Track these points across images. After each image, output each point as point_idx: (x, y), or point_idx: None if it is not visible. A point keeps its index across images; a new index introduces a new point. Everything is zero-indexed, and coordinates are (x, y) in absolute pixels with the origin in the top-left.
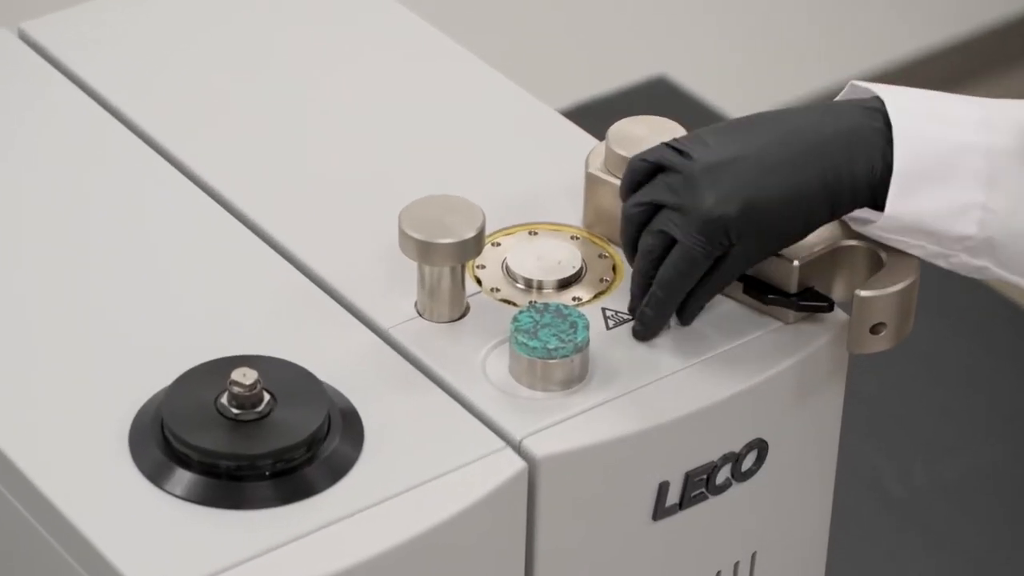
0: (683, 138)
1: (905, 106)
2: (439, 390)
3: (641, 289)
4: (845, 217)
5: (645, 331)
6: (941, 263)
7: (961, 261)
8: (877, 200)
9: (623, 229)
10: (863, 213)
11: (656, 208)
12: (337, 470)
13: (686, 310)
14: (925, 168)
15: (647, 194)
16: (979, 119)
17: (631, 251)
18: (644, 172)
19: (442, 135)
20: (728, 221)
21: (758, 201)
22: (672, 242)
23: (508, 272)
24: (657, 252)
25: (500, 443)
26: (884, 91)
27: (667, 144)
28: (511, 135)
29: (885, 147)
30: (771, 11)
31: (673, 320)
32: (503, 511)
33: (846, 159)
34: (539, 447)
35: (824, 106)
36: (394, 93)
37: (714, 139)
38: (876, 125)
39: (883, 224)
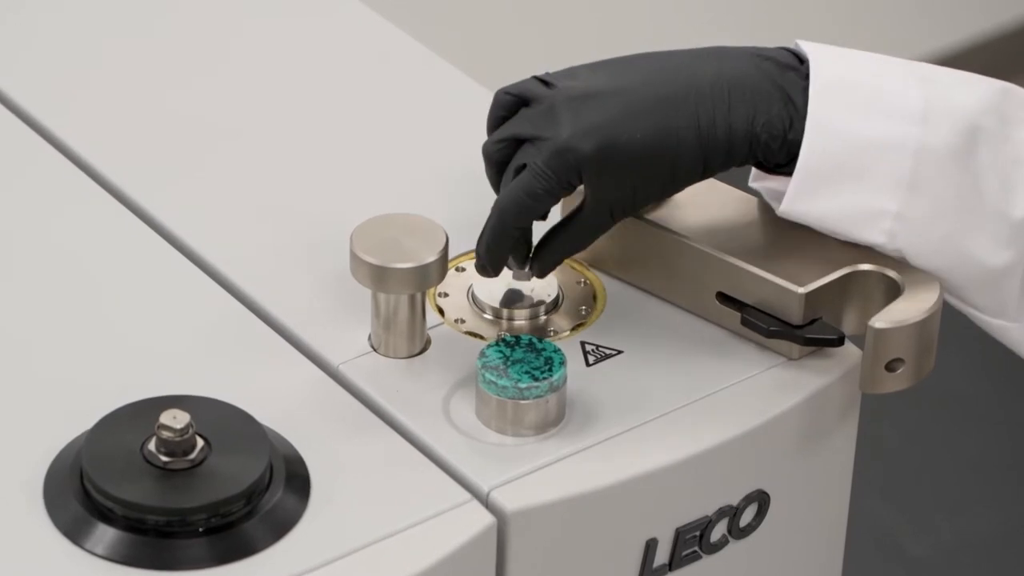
0: (555, 72)
1: (830, 80)
2: (396, 435)
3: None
4: (753, 185)
5: (480, 263)
6: None
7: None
8: (766, 159)
9: (486, 171)
10: (772, 184)
11: (518, 143)
12: (280, 526)
13: (539, 259)
14: (834, 166)
15: (507, 129)
16: (916, 109)
17: (497, 192)
18: (508, 105)
19: (401, 146)
20: (580, 157)
21: (618, 140)
22: None
23: (474, 301)
24: (502, 167)
25: (465, 495)
26: (817, 55)
27: (535, 76)
28: (479, 146)
29: (783, 105)
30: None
31: (661, 354)
32: (468, 572)
33: (724, 107)
34: (509, 500)
35: (715, 49)
36: (346, 97)
37: (585, 72)
38: (777, 79)
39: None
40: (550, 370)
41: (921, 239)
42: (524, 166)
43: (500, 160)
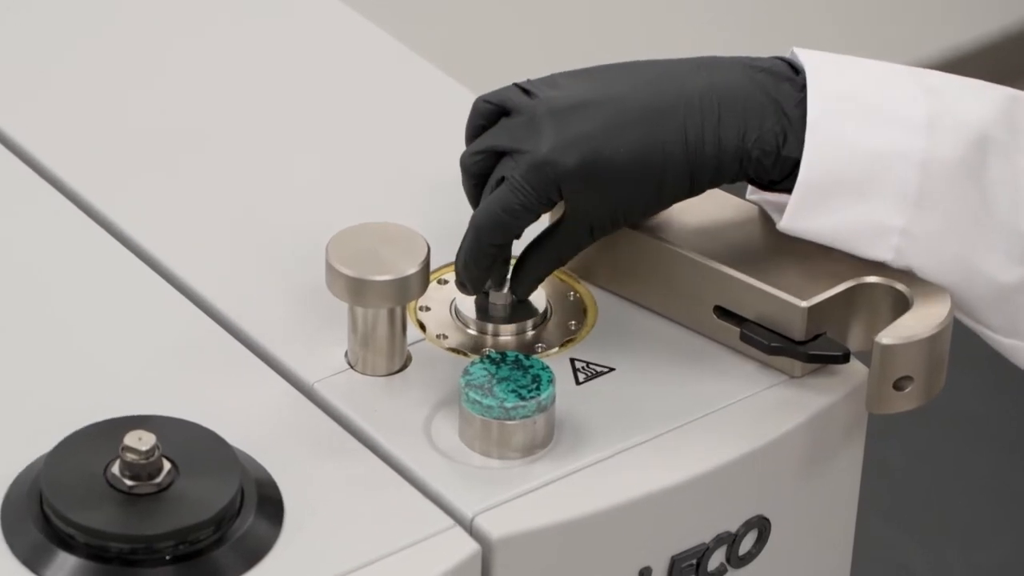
0: (536, 80)
1: (830, 91)
2: (374, 457)
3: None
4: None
5: (459, 281)
6: None
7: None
8: (758, 176)
9: (464, 184)
10: (770, 197)
11: (497, 156)
12: (251, 553)
13: (519, 278)
14: (836, 179)
15: (485, 140)
16: (922, 119)
17: (475, 206)
18: (487, 115)
19: (380, 151)
20: (561, 171)
21: (601, 154)
22: None
23: (457, 315)
24: (482, 180)
25: (448, 521)
26: (815, 65)
27: (516, 84)
28: (462, 151)
29: (777, 120)
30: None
31: (655, 371)
32: None
33: (714, 121)
34: (494, 526)
35: (705, 59)
36: (323, 100)
37: (567, 81)
38: (771, 91)
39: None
40: (538, 389)
41: (930, 256)
42: (503, 179)
43: (478, 172)
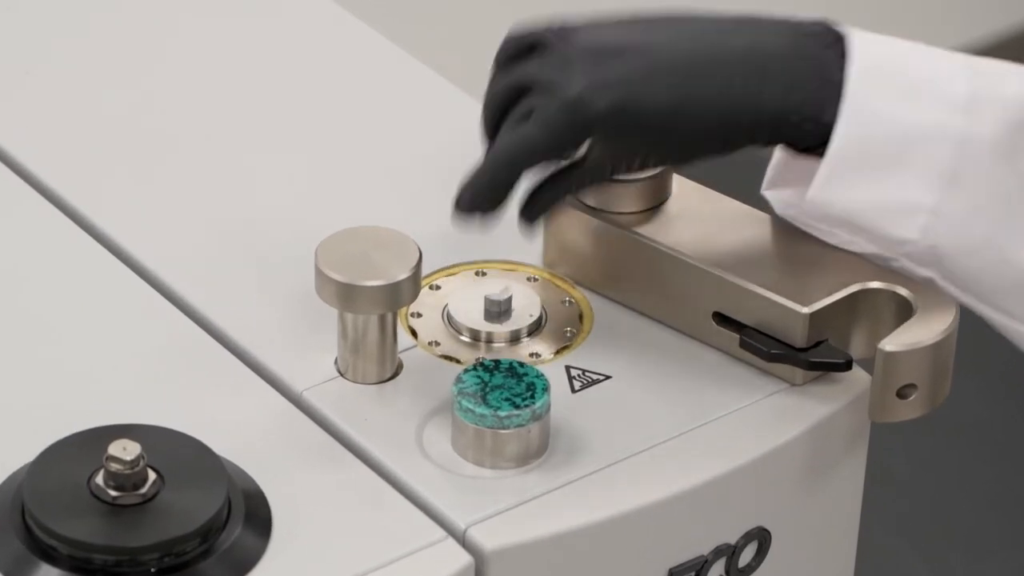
0: (574, 20)
1: (872, 63)
2: (364, 467)
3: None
4: (765, 194)
5: (459, 207)
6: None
7: (903, 266)
8: (798, 141)
9: (484, 113)
10: (785, 196)
11: (526, 91)
12: (238, 566)
13: (531, 204)
14: (868, 153)
15: (518, 72)
16: (963, 97)
17: (491, 139)
18: (520, 47)
19: (370, 153)
20: (593, 114)
21: (637, 100)
22: None
23: (450, 322)
24: (504, 111)
25: (440, 533)
26: (859, 35)
27: (550, 23)
28: (456, 153)
29: (820, 86)
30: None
31: (653, 379)
32: None
33: (756, 82)
34: (488, 538)
35: (751, 18)
36: (312, 101)
37: (609, 25)
38: (817, 56)
39: (808, 211)
40: (532, 397)
41: (958, 237)
42: (530, 113)
43: (500, 105)
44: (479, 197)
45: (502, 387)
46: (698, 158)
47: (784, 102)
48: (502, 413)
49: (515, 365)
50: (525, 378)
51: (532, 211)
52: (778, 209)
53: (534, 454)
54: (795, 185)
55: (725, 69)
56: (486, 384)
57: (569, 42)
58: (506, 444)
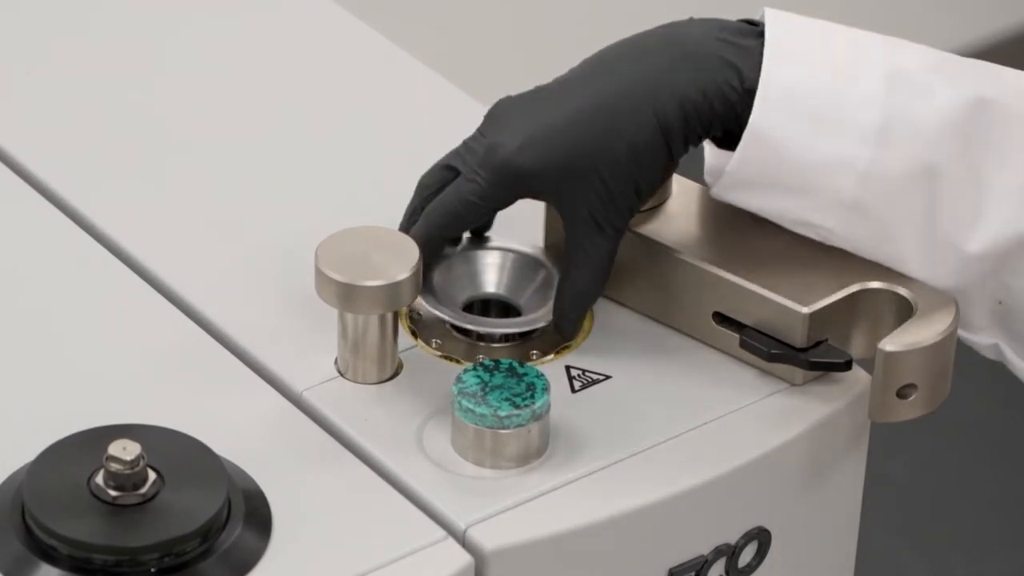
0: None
1: (782, 87)
2: (364, 467)
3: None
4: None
5: None
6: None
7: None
8: (707, 126)
9: (411, 201)
10: (713, 157)
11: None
12: (238, 566)
13: (561, 319)
14: (768, 182)
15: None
16: (872, 126)
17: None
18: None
19: (371, 153)
20: (522, 170)
21: (560, 147)
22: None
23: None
24: (434, 188)
25: (440, 533)
26: (774, 36)
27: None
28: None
29: (725, 67)
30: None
31: (652, 379)
32: None
33: (672, 78)
34: (488, 538)
35: (674, 32)
36: (313, 101)
37: (513, 117)
38: (731, 57)
39: (734, 170)
40: (532, 397)
41: (859, 253)
42: (447, 167)
43: (429, 187)
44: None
45: (502, 387)
46: (647, 170)
47: (704, 92)
48: (502, 413)
49: (515, 365)
50: (525, 378)
51: (567, 325)
52: (719, 190)
53: (534, 454)
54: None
55: (634, 84)
56: (486, 384)
57: (484, 136)
58: (506, 444)
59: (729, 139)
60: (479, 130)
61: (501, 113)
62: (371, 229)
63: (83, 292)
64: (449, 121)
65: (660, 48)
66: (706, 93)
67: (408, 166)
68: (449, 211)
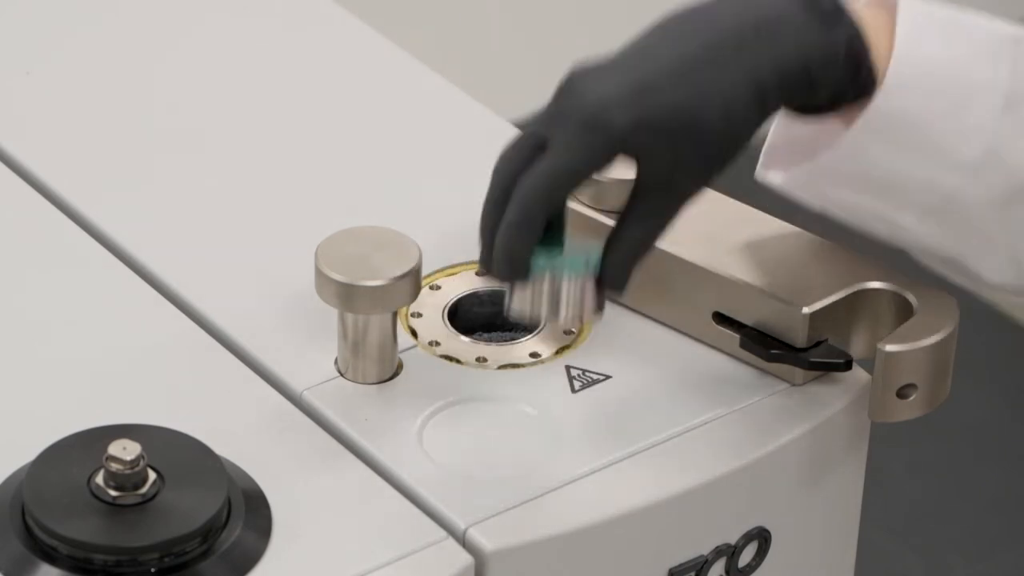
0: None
1: (887, 109)
2: (365, 467)
3: (490, 222)
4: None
5: (501, 273)
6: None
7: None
8: (821, 90)
9: (490, 188)
10: (789, 170)
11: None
12: (239, 566)
13: (608, 267)
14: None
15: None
16: (970, 159)
17: (485, 224)
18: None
19: (370, 153)
20: (615, 127)
21: (652, 106)
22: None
23: (450, 322)
24: (521, 166)
25: (440, 533)
26: (904, 30)
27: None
28: (456, 152)
29: (825, 34)
30: None
31: (652, 379)
32: None
33: (759, 39)
34: (488, 538)
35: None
36: (313, 102)
37: (599, 67)
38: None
39: (821, 164)
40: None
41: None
42: (533, 134)
43: (513, 167)
44: (514, 247)
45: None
46: (737, 135)
47: (800, 52)
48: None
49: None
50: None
51: (615, 280)
52: (789, 182)
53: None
54: (797, 162)
55: (725, 42)
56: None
57: (570, 101)
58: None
59: (815, 107)
60: (558, 98)
61: (581, 78)
62: (371, 229)
63: (83, 292)
64: (450, 122)
65: (748, 10)
66: (803, 59)
67: (408, 166)
68: (543, 188)
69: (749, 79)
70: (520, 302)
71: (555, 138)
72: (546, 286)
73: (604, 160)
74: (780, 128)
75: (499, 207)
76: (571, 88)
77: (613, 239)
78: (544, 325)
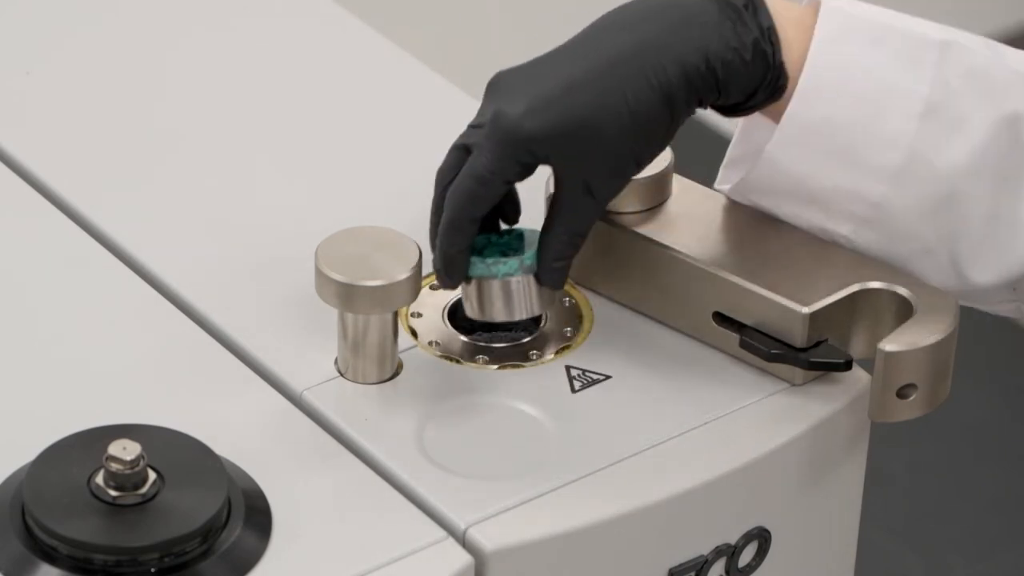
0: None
1: (806, 118)
2: (365, 467)
3: (433, 231)
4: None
5: (440, 276)
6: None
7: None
8: (732, 88)
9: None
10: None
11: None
12: (239, 566)
13: (542, 268)
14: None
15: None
16: (893, 167)
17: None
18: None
19: (370, 153)
20: (527, 133)
21: (562, 111)
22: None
23: (450, 321)
24: (452, 173)
25: (440, 533)
26: (820, 36)
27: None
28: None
29: (740, 28)
30: None
31: (652, 379)
32: None
33: (672, 32)
34: (488, 538)
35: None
36: (312, 102)
37: (521, 78)
38: (737, 20)
39: (749, 180)
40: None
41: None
42: (462, 146)
43: (447, 174)
44: (446, 252)
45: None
46: (649, 135)
47: (707, 51)
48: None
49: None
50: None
51: (547, 276)
52: (733, 193)
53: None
54: (741, 172)
55: (634, 45)
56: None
57: (487, 105)
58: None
59: (732, 107)
60: (482, 107)
61: (502, 83)
62: (371, 229)
63: (83, 292)
64: (450, 122)
65: (660, 13)
66: (709, 58)
67: (408, 166)
68: (466, 190)
69: (654, 82)
70: (470, 303)
71: (477, 146)
72: (493, 288)
73: (521, 166)
74: (737, 135)
75: (439, 215)
76: (490, 97)
77: (541, 242)
78: (544, 325)
